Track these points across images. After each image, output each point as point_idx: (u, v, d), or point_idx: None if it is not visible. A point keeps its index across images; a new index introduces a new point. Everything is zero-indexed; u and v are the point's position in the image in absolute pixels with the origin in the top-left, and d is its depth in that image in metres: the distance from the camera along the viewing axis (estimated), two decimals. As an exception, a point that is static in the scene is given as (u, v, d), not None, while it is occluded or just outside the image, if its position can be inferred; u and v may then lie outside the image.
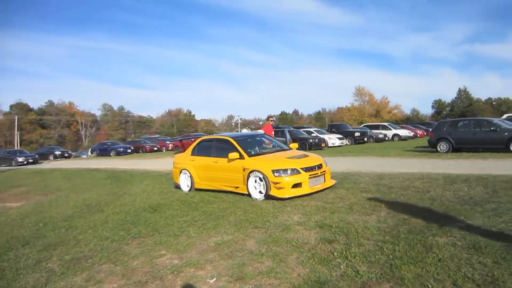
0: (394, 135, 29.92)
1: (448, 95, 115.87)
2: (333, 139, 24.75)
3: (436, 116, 77.85)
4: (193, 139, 20.54)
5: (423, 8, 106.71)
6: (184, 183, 9.28)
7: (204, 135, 14.83)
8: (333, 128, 29.18)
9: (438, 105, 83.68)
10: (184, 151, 10.38)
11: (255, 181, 7.45)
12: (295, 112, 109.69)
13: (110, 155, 32.41)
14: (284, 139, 14.29)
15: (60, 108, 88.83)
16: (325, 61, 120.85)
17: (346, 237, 4.61)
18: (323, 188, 7.39)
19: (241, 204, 6.92)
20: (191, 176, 8.98)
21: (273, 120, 11.05)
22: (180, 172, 9.33)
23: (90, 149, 38.20)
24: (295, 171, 7.12)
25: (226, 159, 8.01)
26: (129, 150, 33.67)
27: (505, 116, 19.69)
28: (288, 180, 7.01)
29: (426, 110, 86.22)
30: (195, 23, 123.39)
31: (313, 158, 7.79)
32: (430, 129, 16.07)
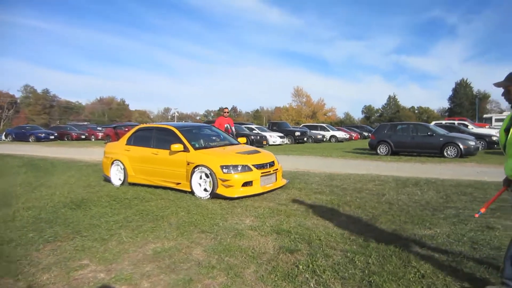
0: (332, 136, 30.71)
1: (377, 101, 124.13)
2: (274, 137, 24.56)
3: (365, 120, 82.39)
4: (127, 129, 18.95)
5: (358, 17, 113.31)
6: (116, 176, 8.14)
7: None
8: (274, 126, 29.08)
9: (368, 110, 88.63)
10: (117, 141, 9.18)
11: (200, 177, 6.63)
12: (234, 109, 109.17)
13: (29, 141, 29.12)
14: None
15: (-30, 86, 78.73)
16: (265, 60, 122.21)
17: (309, 246, 4.01)
18: (275, 187, 6.80)
19: (183, 203, 6.06)
20: (124, 168, 7.87)
21: (228, 112, 10.11)
22: (112, 163, 8.17)
23: (4, 133, 33.66)
24: (246, 168, 6.43)
25: (168, 151, 7.08)
26: (51, 137, 30.53)
27: (433, 123, 20.85)
28: (238, 177, 6.30)
29: (357, 114, 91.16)
30: (137, 11, 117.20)
31: (265, 155, 7.17)
32: (364, 132, 16.50)
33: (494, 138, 17.04)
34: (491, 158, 13.12)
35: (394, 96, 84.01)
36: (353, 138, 33.28)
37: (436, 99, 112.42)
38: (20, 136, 30.46)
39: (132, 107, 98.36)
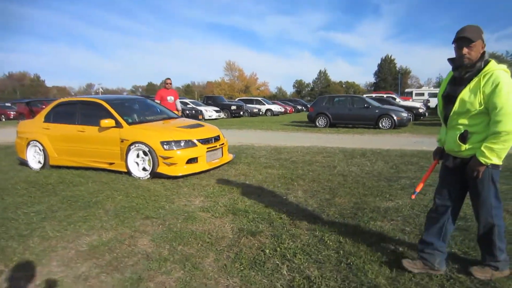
0: (267, 110, 30.68)
1: (308, 76, 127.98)
2: (210, 112, 23.80)
3: (297, 94, 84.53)
4: (44, 106, 16.82)
5: None
6: (34, 158, 7.01)
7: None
8: (209, 100, 28.23)
9: (299, 85, 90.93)
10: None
11: (138, 156, 5.88)
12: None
13: None
14: None
15: None
16: (194, 34, 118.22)
17: (271, 227, 3.62)
18: (222, 163, 6.29)
19: (120, 185, 5.31)
20: (44, 150, 6.78)
21: (170, 83, 8.89)
22: (28, 144, 7.00)
23: None
24: (189, 143, 5.81)
25: (97, 127, 6.18)
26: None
27: (365, 96, 21.62)
28: (181, 154, 5.66)
29: (289, 89, 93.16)
30: None
31: (210, 129, 6.58)
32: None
33: (420, 111, 18.17)
34: (421, 129, 13.86)
35: (325, 71, 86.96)
36: (288, 111, 33.66)
37: (363, 74, 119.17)
38: None
39: (49, 83, 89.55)
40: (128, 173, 5.92)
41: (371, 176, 5.54)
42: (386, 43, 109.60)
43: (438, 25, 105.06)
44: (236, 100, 33.82)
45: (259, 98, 34.12)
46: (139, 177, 5.78)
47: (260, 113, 29.87)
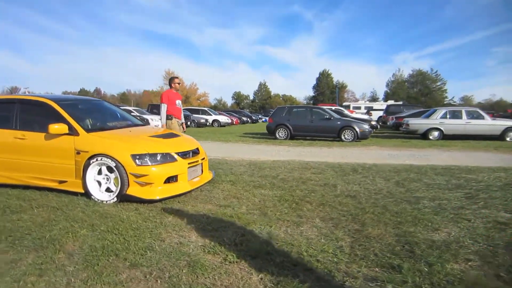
0: (214, 120, 29.64)
1: (245, 88, 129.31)
2: (156, 121, 21.99)
3: (236, 106, 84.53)
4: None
5: (224, 5, 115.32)
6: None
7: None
8: (155, 109, 26.39)
9: (238, 97, 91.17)
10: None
11: (100, 172, 4.61)
12: (97, 91, 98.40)
13: None
14: None
15: None
16: (130, 41, 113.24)
17: (315, 277, 2.68)
18: (203, 182, 5.19)
19: (78, 213, 4.02)
20: (-36, 161, 5.18)
21: (179, 84, 7.07)
22: None
23: None
24: (168, 158, 4.67)
25: (42, 134, 4.79)
26: None
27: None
28: (158, 171, 4.50)
29: (228, 100, 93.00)
30: None
31: (187, 140, 5.48)
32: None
33: (373, 123, 18.37)
34: (383, 142, 13.76)
35: (265, 83, 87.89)
36: (234, 122, 32.87)
37: (297, 88, 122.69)
38: None
39: (-38, 84, 79.24)
40: (87, 194, 4.62)
41: (384, 197, 4.84)
42: (319, 58, 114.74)
43: (366, 43, 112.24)
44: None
45: (205, 108, 32.93)
46: (102, 201, 4.51)
47: (208, 123, 28.76)
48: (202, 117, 28.83)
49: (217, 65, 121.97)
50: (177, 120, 6.82)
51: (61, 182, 4.79)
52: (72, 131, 4.71)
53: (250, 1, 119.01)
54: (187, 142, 5.34)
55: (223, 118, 30.71)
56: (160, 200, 4.49)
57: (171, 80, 7.03)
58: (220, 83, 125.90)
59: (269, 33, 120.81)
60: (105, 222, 3.71)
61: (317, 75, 78.24)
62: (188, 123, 25.53)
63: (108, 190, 4.61)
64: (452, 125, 14.20)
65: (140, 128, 5.59)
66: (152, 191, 4.46)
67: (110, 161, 4.46)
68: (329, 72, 77.21)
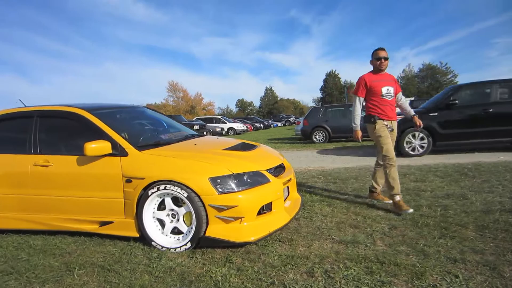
0: (230, 128, 28.30)
1: (249, 95, 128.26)
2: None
3: (241, 113, 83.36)
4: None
5: (222, 15, 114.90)
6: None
7: None
8: (167, 120, 25.10)
9: (241, 104, 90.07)
10: None
11: (161, 207, 3.20)
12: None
13: None
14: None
15: None
16: (129, 57, 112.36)
17: None
18: (299, 207, 3.73)
19: (143, 276, 2.61)
20: (-32, 202, 3.79)
21: (386, 59, 4.01)
22: None
23: None
24: (258, 178, 3.23)
25: (75, 157, 3.39)
26: None
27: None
28: (248, 198, 3.05)
29: (232, 108, 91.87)
30: None
31: (270, 151, 4.07)
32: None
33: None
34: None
35: (271, 88, 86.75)
36: (248, 129, 31.51)
37: (302, 91, 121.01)
38: None
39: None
40: (145, 239, 3.20)
41: None
42: (320, 61, 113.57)
43: (366, 42, 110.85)
44: (194, 119, 30.97)
45: (219, 117, 31.61)
46: (169, 248, 3.09)
47: (223, 132, 27.41)
48: (217, 126, 27.46)
49: (218, 74, 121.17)
50: (388, 122, 4.07)
51: (103, 223, 3.37)
52: (117, 150, 3.30)
53: (248, 9, 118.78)
54: (271, 154, 3.92)
55: (238, 126, 29.33)
56: (256, 242, 3.05)
57: (375, 53, 4.03)
58: (222, 91, 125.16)
59: (268, 39, 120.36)
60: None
61: (323, 77, 76.81)
62: (204, 132, 24.19)
63: (175, 231, 3.19)
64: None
65: (204, 140, 4.16)
66: (242, 229, 3.02)
67: (178, 189, 3.03)
68: (336, 73, 75.76)
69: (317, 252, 2.82)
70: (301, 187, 5.13)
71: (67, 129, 3.68)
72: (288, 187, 3.80)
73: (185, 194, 3.01)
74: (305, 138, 13.35)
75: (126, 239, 3.31)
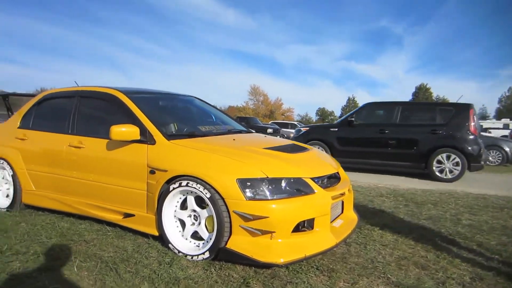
0: (305, 135, 27.53)
1: (329, 104, 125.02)
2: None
3: (320, 122, 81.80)
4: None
5: (309, 23, 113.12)
6: (1, 189, 4.02)
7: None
8: (242, 122, 25.27)
9: (322, 113, 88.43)
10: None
11: (184, 206, 2.76)
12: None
13: None
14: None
15: None
16: (215, 60, 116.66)
17: None
18: (351, 229, 3.01)
19: (143, 283, 2.16)
20: (14, 175, 3.78)
21: None
22: (-9, 164, 4.03)
23: None
24: (300, 187, 2.61)
25: (105, 140, 3.12)
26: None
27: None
28: (284, 210, 2.46)
29: (312, 116, 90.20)
30: (81, 2, 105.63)
31: (323, 156, 3.42)
32: None
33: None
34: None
35: (353, 98, 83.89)
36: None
37: None
38: None
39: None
40: (163, 239, 2.78)
41: None
42: (410, 74, 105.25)
43: (463, 57, 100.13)
44: (270, 123, 30.85)
45: (295, 122, 31.11)
46: (186, 254, 2.63)
47: (298, 138, 26.79)
48: (291, 131, 26.94)
49: (300, 82, 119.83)
50: None
51: (126, 215, 3.04)
52: (146, 137, 2.94)
53: (336, 18, 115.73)
54: (323, 160, 3.27)
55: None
56: (286, 265, 2.44)
57: None
58: (302, 99, 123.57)
59: (355, 49, 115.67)
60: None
61: (412, 90, 71.78)
62: (278, 136, 23.82)
63: (196, 236, 2.72)
64: None
65: (248, 136, 3.67)
66: (271, 246, 2.43)
67: (201, 188, 2.56)
68: (427, 87, 70.26)
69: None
70: (362, 205, 4.34)
71: (103, 111, 3.47)
72: (342, 202, 3.13)
73: (208, 195, 2.52)
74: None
75: (148, 235, 2.94)
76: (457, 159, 6.64)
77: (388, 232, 3.31)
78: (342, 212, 3.18)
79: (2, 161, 3.90)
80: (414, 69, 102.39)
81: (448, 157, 6.72)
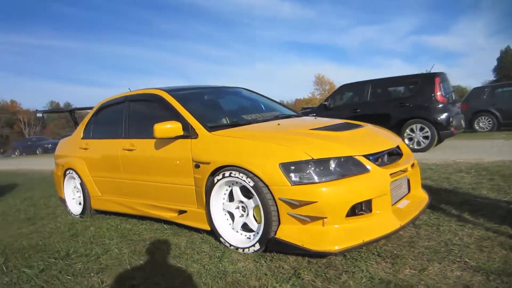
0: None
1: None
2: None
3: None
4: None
5: (370, 2, 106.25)
6: (74, 197, 4.32)
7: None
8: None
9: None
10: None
11: (230, 198, 2.65)
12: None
13: (36, 153, 26.07)
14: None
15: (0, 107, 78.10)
16: (276, 55, 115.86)
17: None
18: (419, 211, 2.65)
19: (195, 280, 2.10)
20: (82, 183, 4.02)
21: None
22: (64, 174, 4.33)
23: (12, 147, 30.98)
24: (350, 166, 2.35)
25: (152, 140, 3.13)
26: (60, 147, 27.32)
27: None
28: (334, 193, 2.22)
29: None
30: (146, 18, 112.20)
31: (379, 132, 3.09)
32: None
33: None
34: None
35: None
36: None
37: (469, 76, 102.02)
38: (27, 149, 27.42)
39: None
40: (214, 233, 2.71)
41: None
42: (491, 39, 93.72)
43: None
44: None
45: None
46: (238, 247, 2.51)
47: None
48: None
49: (367, 64, 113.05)
50: None
51: (180, 212, 3.02)
52: (189, 132, 2.89)
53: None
54: (379, 135, 2.95)
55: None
56: (342, 253, 2.20)
57: None
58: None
59: (424, 21, 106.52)
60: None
61: (497, 55, 64.40)
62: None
63: (246, 227, 2.59)
64: None
65: (295, 120, 3.46)
66: (324, 233, 2.21)
67: (244, 177, 2.42)
68: (513, 49, 62.61)
69: (431, 282, 1.81)
70: (436, 183, 3.87)
71: (150, 111, 3.50)
72: (408, 181, 2.79)
73: (251, 183, 2.38)
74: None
75: (201, 231, 2.89)
76: (426, 129, 6.72)
77: (466, 210, 2.87)
78: (409, 191, 2.84)
79: (71, 171, 4.17)
80: (496, 33, 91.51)
81: (421, 129, 6.78)
